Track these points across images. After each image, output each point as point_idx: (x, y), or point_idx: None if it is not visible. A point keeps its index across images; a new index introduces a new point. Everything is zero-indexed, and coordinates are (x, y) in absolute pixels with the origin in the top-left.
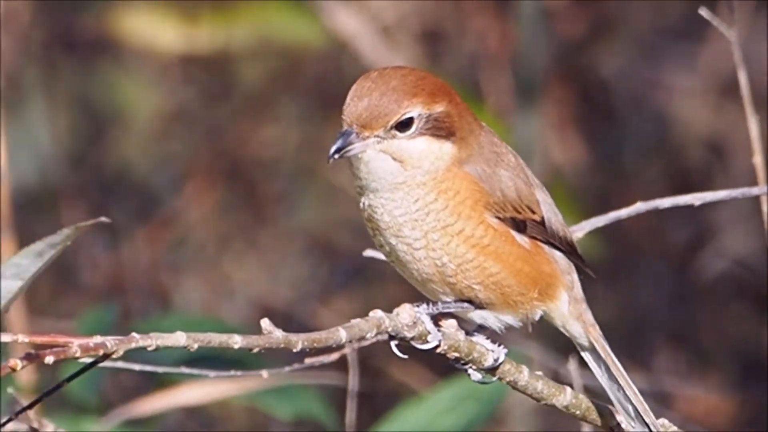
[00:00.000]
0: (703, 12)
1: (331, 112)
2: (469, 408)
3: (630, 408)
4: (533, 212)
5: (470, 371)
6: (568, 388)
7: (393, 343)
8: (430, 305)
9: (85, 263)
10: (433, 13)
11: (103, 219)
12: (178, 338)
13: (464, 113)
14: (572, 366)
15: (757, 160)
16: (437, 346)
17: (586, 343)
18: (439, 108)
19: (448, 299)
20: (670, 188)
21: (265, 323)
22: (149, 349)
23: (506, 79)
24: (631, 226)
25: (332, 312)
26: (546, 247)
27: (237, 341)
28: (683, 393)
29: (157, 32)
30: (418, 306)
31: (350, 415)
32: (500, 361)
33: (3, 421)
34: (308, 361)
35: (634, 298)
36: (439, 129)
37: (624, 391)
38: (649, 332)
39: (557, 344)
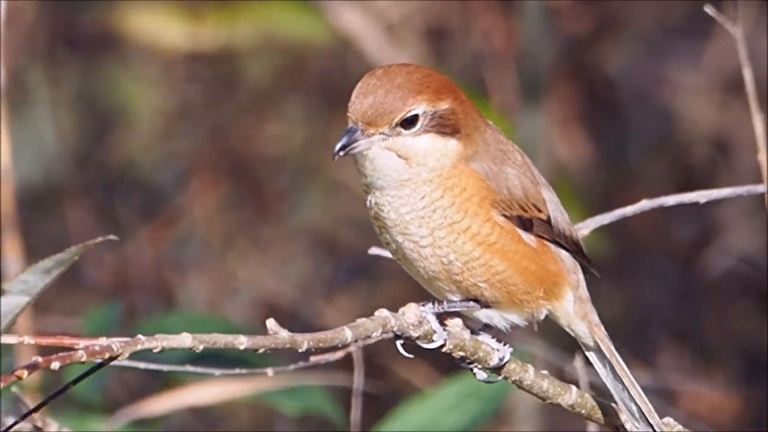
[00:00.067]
0: (708, 9)
1: (335, 109)
2: (473, 405)
3: (634, 408)
4: (540, 211)
5: (476, 370)
6: (574, 387)
7: (398, 343)
8: (436, 304)
9: (91, 261)
10: (438, 11)
11: (111, 237)
12: (184, 339)
13: (469, 110)
14: (578, 363)
15: (762, 157)
16: (443, 346)
17: (591, 343)
18: (444, 105)
19: (454, 297)
20: (675, 186)
21: (271, 323)
22: (155, 351)
23: (511, 77)
24: (636, 223)
25: (337, 309)
26: (552, 246)
27: (242, 342)
28: (688, 390)
29: (161, 30)
30: (423, 305)
31: (355, 412)
32: (506, 360)
33: (10, 423)
34: (313, 359)
35: (638, 295)
36: (444, 126)
37: (628, 391)
38: (653, 329)
39: (562, 342)
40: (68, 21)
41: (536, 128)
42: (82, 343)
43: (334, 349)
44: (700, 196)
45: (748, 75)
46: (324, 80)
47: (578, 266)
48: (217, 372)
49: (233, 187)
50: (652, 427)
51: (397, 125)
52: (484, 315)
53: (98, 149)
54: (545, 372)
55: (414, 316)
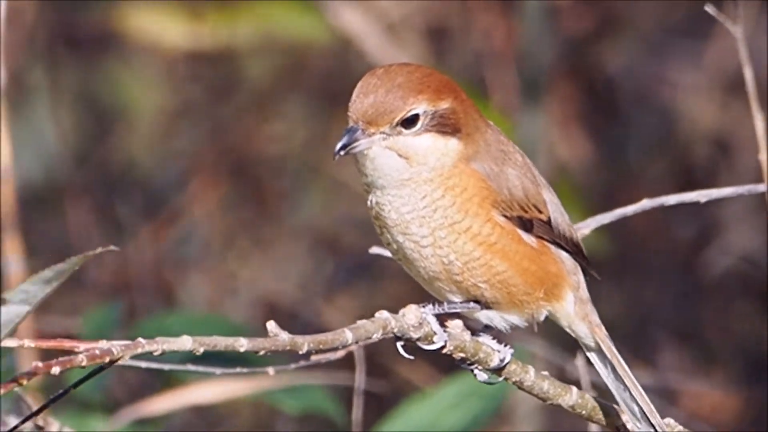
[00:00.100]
0: (709, 9)
1: (336, 109)
2: (473, 405)
3: (636, 408)
4: (540, 212)
5: (476, 371)
6: (574, 388)
7: (399, 344)
8: (436, 305)
9: (91, 261)
10: (438, 11)
11: (112, 247)
12: (184, 342)
13: (470, 110)
14: (579, 362)
15: (763, 157)
16: (443, 347)
17: (591, 344)
18: (444, 105)
19: (455, 298)
20: (675, 185)
21: (271, 325)
22: (155, 353)
23: (511, 77)
24: (636, 223)
25: (337, 309)
26: (552, 247)
27: (243, 344)
28: (688, 390)
29: (162, 29)
30: (423, 307)
31: (357, 411)
32: (506, 361)
33: (12, 424)
34: (314, 358)
35: (639, 295)
36: (445, 125)
37: (630, 392)
38: (654, 329)
39: (563, 342)
40: (68, 21)
41: (536, 128)
42: (82, 346)
43: (334, 349)
44: (701, 195)
45: (748, 74)
46: (324, 80)
47: (578, 267)
48: (218, 371)
49: (233, 187)
50: (654, 428)
51: (397, 125)
52: (484, 316)
53: (99, 149)
54: (546, 373)
55: (414, 318)
